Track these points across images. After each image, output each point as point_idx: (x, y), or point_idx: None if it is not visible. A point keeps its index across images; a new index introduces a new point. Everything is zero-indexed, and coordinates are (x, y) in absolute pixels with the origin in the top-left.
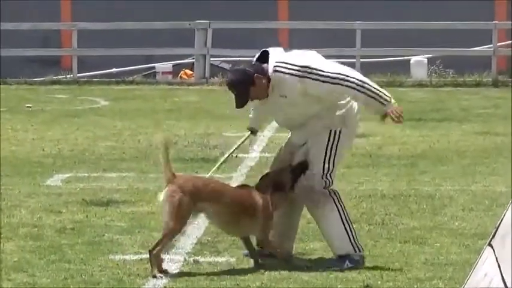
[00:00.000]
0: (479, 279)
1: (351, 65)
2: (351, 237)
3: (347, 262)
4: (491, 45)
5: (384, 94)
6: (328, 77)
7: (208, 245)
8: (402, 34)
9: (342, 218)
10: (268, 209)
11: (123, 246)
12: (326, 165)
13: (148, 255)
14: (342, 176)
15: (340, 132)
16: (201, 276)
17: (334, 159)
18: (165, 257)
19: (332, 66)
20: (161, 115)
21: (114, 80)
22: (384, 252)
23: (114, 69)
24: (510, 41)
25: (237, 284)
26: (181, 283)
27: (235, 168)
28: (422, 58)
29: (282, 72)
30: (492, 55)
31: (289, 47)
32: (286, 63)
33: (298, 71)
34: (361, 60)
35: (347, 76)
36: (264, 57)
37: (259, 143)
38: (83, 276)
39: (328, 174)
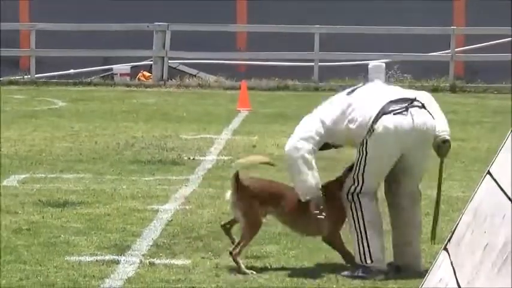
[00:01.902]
0: (435, 284)
1: (309, 69)
2: (360, 247)
3: (358, 271)
4: (449, 51)
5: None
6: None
7: (164, 248)
8: (360, 38)
9: (355, 226)
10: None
11: (79, 247)
12: (355, 172)
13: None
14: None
15: (366, 142)
16: (156, 279)
17: (364, 168)
18: (121, 258)
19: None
20: (119, 117)
21: (72, 81)
22: (339, 256)
23: (72, 71)
24: (468, 47)
25: (192, 287)
26: (137, 285)
27: (192, 171)
28: (380, 63)
29: None
30: (450, 60)
31: (247, 50)
32: None
33: None
34: (319, 64)
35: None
36: None
37: (216, 145)
38: (39, 277)
39: (358, 175)
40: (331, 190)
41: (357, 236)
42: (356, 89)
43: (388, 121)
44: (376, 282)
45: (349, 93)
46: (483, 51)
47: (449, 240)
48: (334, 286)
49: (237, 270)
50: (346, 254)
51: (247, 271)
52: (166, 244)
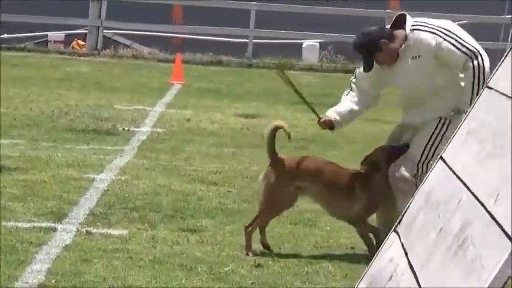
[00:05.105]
0: (385, 264)
1: (244, 46)
2: None
3: None
4: None
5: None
6: (464, 46)
7: (101, 217)
8: (297, 17)
9: None
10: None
11: (16, 213)
12: (425, 153)
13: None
14: (232, 155)
15: (449, 122)
16: (94, 248)
17: (435, 149)
18: (58, 226)
19: (471, 39)
20: (52, 84)
21: (5, 46)
22: (275, 233)
23: (6, 35)
24: None
25: (130, 257)
26: (75, 253)
27: (127, 142)
28: (315, 43)
29: (420, 30)
30: None
31: (182, 23)
32: (426, 22)
33: (437, 29)
34: (254, 41)
35: (480, 55)
36: (399, 23)
37: (150, 118)
38: None
39: (424, 163)
40: (368, 176)
41: None
42: None
43: None
44: (312, 261)
45: None
46: None
47: (399, 222)
48: (270, 262)
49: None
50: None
51: (248, 251)
52: (102, 214)
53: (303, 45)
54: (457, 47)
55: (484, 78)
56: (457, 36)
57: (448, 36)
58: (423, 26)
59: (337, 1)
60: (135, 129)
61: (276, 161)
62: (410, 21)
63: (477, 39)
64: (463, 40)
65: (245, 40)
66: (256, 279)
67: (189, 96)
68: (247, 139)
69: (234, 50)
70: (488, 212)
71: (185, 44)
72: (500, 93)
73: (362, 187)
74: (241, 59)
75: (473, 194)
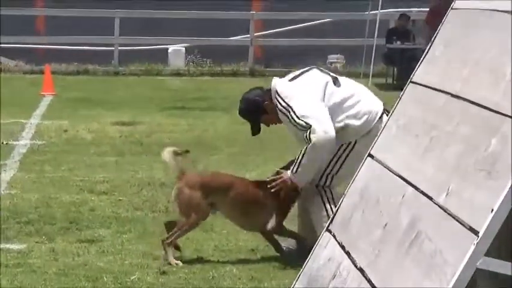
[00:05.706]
0: (324, 264)
1: (109, 54)
2: None
3: None
4: (249, 35)
5: (301, 167)
6: (299, 124)
7: None
8: (160, 23)
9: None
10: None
11: None
12: (331, 165)
13: None
14: (115, 163)
15: (356, 141)
16: None
17: (343, 162)
18: None
19: (309, 111)
20: None
21: None
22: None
23: None
24: (267, 32)
25: (34, 271)
26: None
27: (7, 156)
28: (180, 47)
29: (276, 104)
30: (249, 45)
31: (45, 34)
32: (280, 96)
33: (283, 107)
34: (120, 48)
35: (312, 129)
36: None
37: (27, 130)
38: None
39: (329, 175)
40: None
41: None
42: (336, 78)
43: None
44: (216, 266)
45: (336, 84)
46: (282, 36)
47: (331, 221)
48: (175, 269)
49: (163, 257)
50: (299, 238)
51: (174, 262)
52: None
53: (169, 50)
54: (295, 125)
55: (310, 151)
56: (296, 117)
57: (290, 115)
58: (277, 100)
59: (201, 5)
60: (14, 143)
61: (186, 180)
62: (274, 89)
63: (344, 36)
64: (301, 119)
65: (111, 48)
66: (163, 287)
67: (62, 106)
68: (128, 147)
69: (99, 59)
70: (440, 206)
71: (50, 55)
72: (426, 86)
73: (270, 195)
74: (108, 67)
75: (418, 189)
